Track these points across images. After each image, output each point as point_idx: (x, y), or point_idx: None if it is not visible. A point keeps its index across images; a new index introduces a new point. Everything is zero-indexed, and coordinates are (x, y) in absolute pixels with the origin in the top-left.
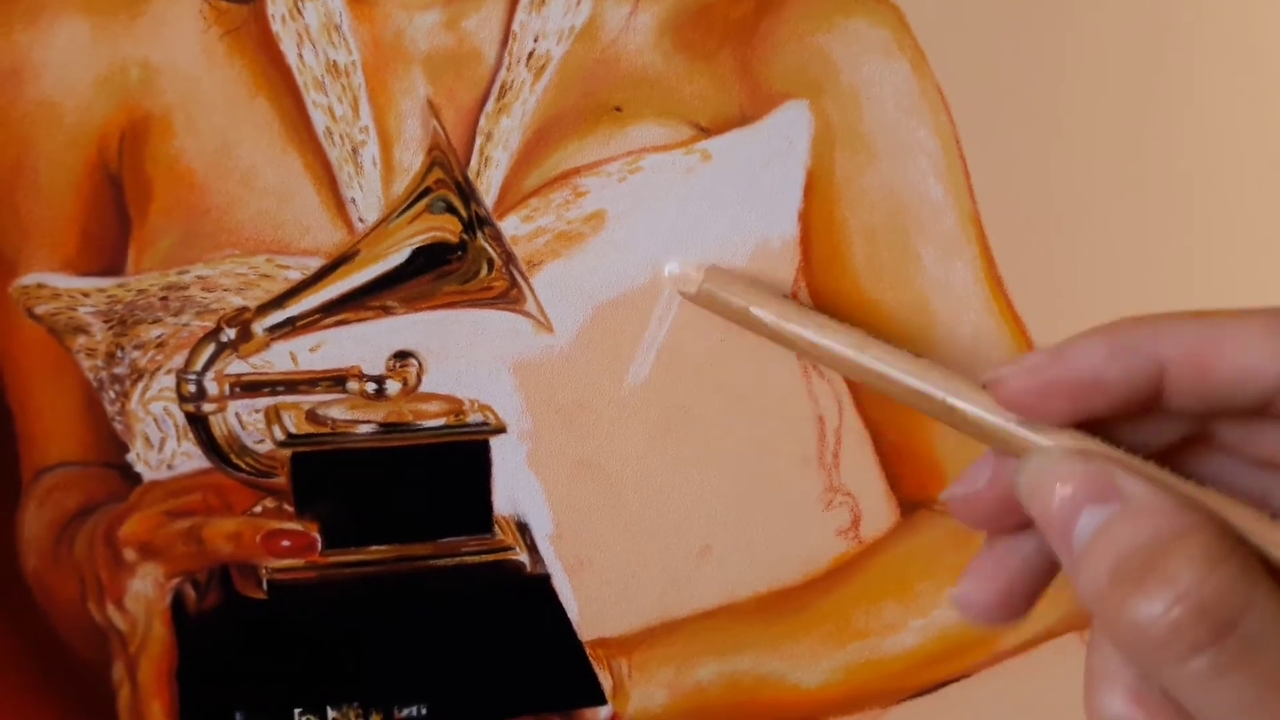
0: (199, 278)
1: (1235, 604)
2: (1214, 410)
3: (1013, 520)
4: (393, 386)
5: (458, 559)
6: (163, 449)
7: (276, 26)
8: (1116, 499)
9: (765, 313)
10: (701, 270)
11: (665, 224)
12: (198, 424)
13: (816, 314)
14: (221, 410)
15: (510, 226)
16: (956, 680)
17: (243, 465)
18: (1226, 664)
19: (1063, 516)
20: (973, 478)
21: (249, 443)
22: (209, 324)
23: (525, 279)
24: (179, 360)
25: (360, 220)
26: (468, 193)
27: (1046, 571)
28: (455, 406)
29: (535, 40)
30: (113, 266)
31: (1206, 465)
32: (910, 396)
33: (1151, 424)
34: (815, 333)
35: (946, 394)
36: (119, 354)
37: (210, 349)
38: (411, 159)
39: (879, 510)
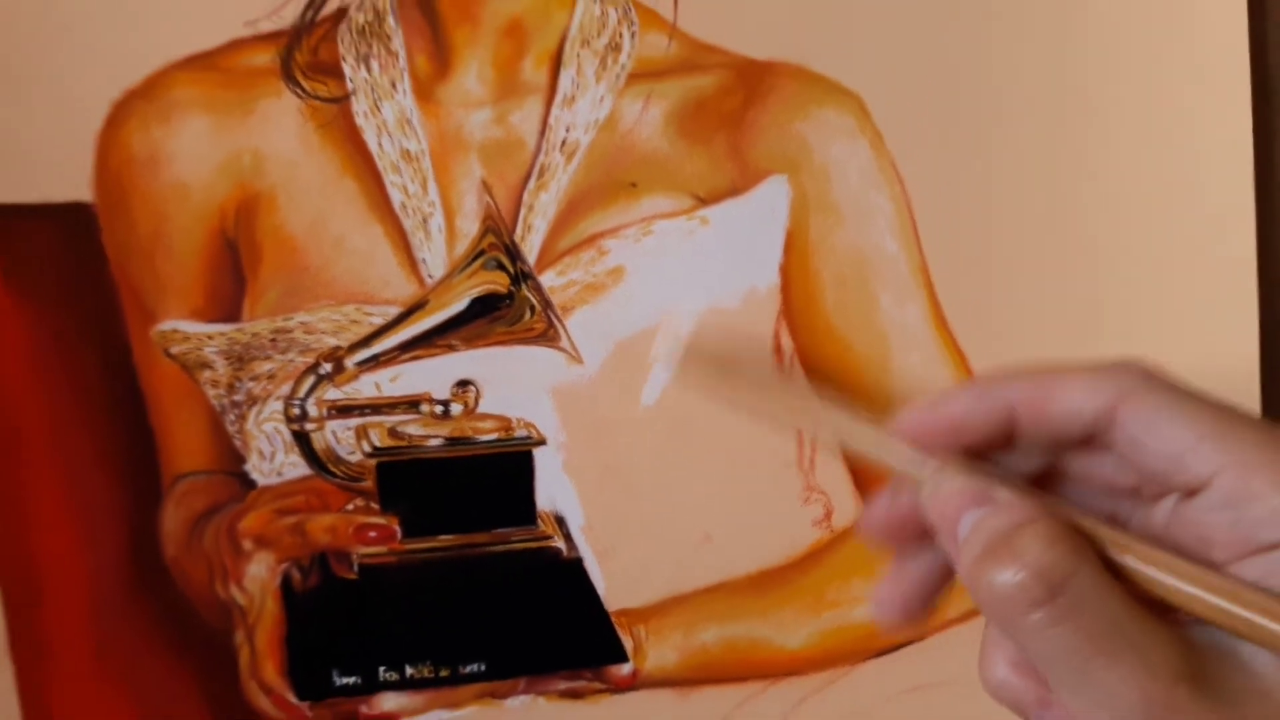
0: (301, 323)
1: (1065, 571)
2: (1056, 443)
3: (912, 535)
4: (456, 408)
5: (508, 546)
6: (273, 460)
7: (360, 121)
8: (990, 503)
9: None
10: (685, 341)
11: (672, 276)
12: (301, 440)
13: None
14: (320, 429)
15: (548, 280)
16: (912, 643)
17: (337, 472)
18: (1056, 617)
19: (951, 519)
20: (877, 506)
21: (343, 454)
22: (310, 360)
23: (560, 321)
24: (286, 389)
25: (429, 276)
26: (514, 253)
27: (941, 582)
28: (505, 424)
29: (567, 131)
30: (231, 314)
31: (1062, 490)
32: (839, 439)
33: (1016, 455)
34: (770, 399)
35: (862, 435)
36: (237, 385)
37: (311, 380)
38: (469, 227)
39: (847, 505)
